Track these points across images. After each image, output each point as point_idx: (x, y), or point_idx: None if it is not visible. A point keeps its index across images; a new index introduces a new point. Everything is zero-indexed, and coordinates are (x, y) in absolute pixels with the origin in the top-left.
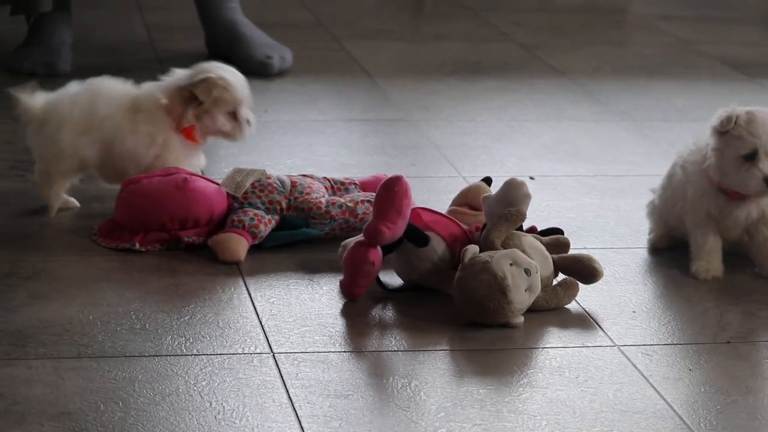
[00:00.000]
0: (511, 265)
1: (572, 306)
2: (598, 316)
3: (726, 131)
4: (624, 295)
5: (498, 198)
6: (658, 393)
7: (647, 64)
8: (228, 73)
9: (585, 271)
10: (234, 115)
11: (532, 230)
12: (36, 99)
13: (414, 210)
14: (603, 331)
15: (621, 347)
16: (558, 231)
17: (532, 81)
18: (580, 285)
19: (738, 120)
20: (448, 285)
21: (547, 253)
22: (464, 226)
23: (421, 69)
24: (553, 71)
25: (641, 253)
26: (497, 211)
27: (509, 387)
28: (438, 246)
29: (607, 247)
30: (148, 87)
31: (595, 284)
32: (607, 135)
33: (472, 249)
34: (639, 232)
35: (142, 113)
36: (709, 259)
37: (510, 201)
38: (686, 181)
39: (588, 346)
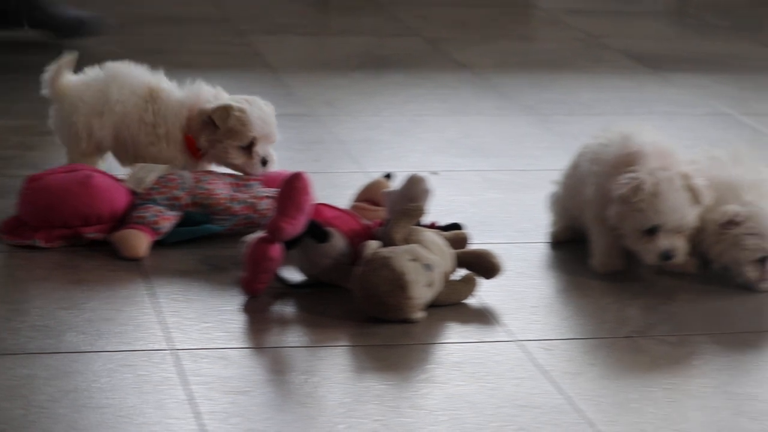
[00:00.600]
0: (411, 260)
1: (472, 301)
2: (498, 311)
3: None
4: (524, 290)
5: (399, 194)
6: (558, 387)
7: (553, 58)
8: (253, 108)
9: (485, 266)
10: (249, 150)
11: (432, 226)
12: (62, 77)
13: (315, 206)
14: (503, 326)
15: (521, 342)
16: (458, 226)
17: (437, 75)
18: (481, 280)
19: (643, 191)
20: (348, 281)
21: (448, 249)
22: (365, 222)
23: (326, 64)
24: (459, 65)
25: (543, 248)
26: (398, 206)
27: (409, 382)
28: (339, 242)
29: (508, 242)
30: (171, 85)
31: (495, 279)
32: (512, 129)
33: (373, 245)
34: (541, 226)
35: (156, 105)
36: (609, 254)
37: (411, 197)
38: (590, 176)
39: (488, 342)
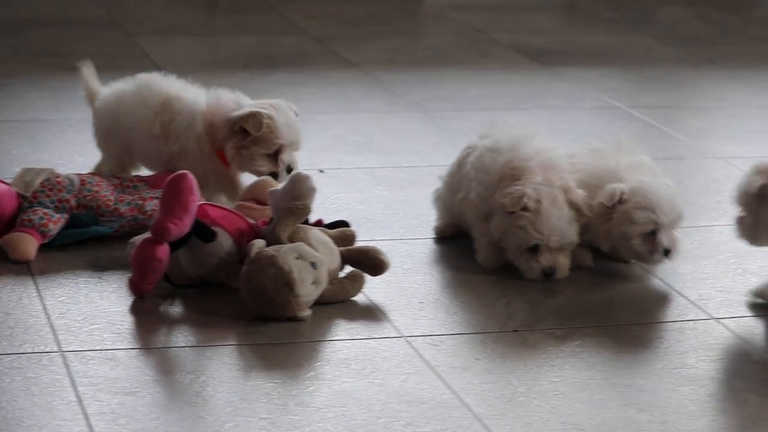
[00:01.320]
0: (297, 258)
1: (359, 298)
2: (385, 308)
3: (513, 212)
4: (411, 286)
5: (284, 192)
6: (445, 383)
7: (440, 54)
8: (279, 114)
9: (371, 263)
10: (275, 157)
11: (318, 223)
12: (92, 89)
13: (201, 206)
14: (390, 322)
15: (408, 338)
16: (344, 223)
17: (325, 73)
18: (368, 277)
19: (525, 205)
20: (235, 280)
21: (334, 246)
22: (251, 221)
23: (215, 64)
24: (347, 63)
25: (429, 244)
26: (283, 205)
27: (296, 380)
28: (225, 241)
29: (395, 239)
30: (193, 94)
31: (382, 276)
32: (399, 126)
33: (259, 243)
34: (428, 223)
35: (166, 117)
36: (494, 250)
37: (296, 195)
38: (475, 182)
39: (375, 338)
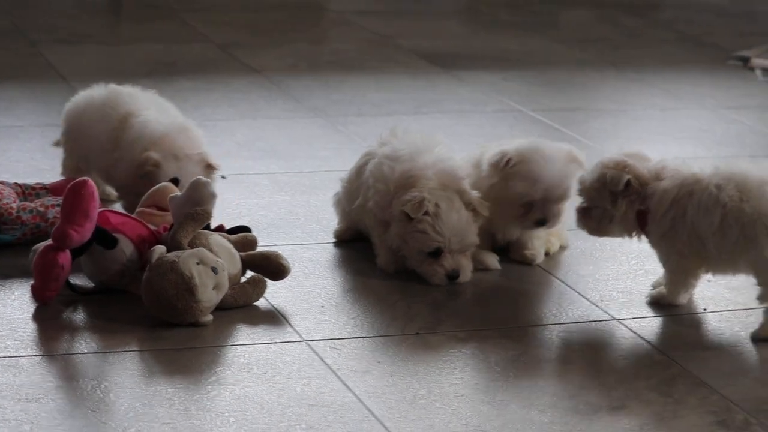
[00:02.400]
0: (197, 264)
1: (261, 303)
2: (286, 312)
3: (413, 218)
4: (313, 290)
5: (184, 198)
6: (346, 386)
7: (343, 59)
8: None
9: (273, 267)
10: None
11: (219, 229)
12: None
13: (101, 212)
14: (292, 326)
15: (309, 342)
16: (245, 229)
17: (227, 80)
18: (269, 282)
19: (424, 209)
20: (137, 286)
21: (235, 251)
22: (152, 227)
23: (118, 72)
24: (249, 69)
25: (330, 249)
26: (184, 210)
27: (198, 385)
28: (126, 247)
29: (297, 243)
30: (154, 114)
31: (283, 280)
32: (301, 131)
33: (159, 249)
34: (329, 227)
35: (123, 134)
36: (394, 253)
37: (196, 200)
38: (372, 191)
39: (277, 342)
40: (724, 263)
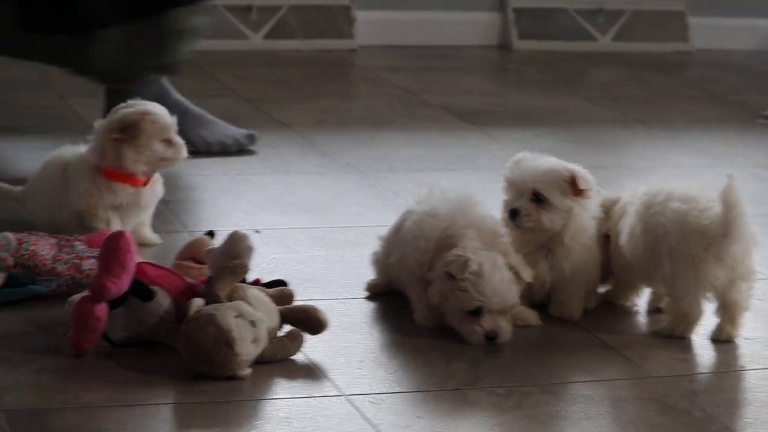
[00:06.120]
0: (236, 317)
1: (299, 357)
2: (325, 367)
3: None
4: (351, 344)
5: (222, 251)
6: None
7: (372, 115)
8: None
9: (311, 321)
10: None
11: (256, 282)
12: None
13: (139, 264)
14: (330, 381)
15: (349, 396)
16: (282, 283)
17: (258, 134)
18: (307, 336)
19: (468, 269)
20: (174, 338)
21: (273, 305)
22: (189, 280)
23: None
24: (279, 124)
25: (366, 304)
26: (221, 263)
27: None
28: (163, 300)
29: (333, 298)
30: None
31: (321, 335)
32: (333, 187)
33: (197, 302)
34: (364, 282)
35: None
36: (432, 309)
37: (234, 254)
38: (412, 248)
39: (315, 396)
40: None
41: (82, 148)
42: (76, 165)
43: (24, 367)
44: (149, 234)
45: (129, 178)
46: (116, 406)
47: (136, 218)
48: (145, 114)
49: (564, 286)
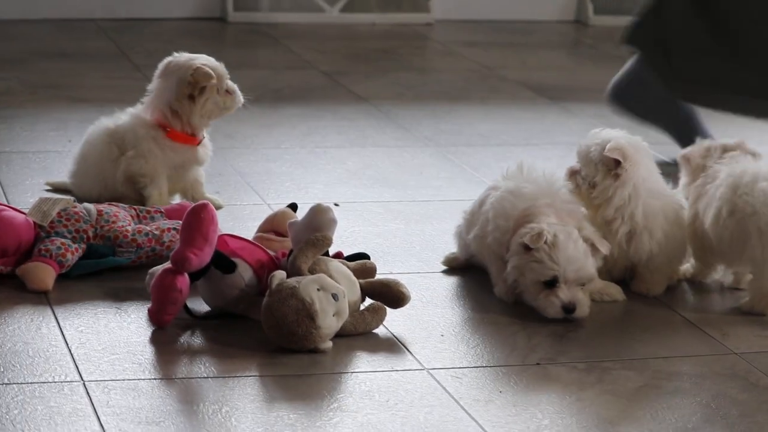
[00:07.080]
0: (318, 290)
1: (380, 330)
2: (406, 340)
3: (531, 248)
4: (432, 318)
5: (304, 224)
6: (469, 415)
7: (450, 89)
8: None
9: (392, 295)
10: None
11: (338, 255)
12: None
13: (220, 237)
14: (412, 354)
15: (430, 370)
16: (364, 256)
17: (335, 108)
18: (388, 309)
19: (543, 239)
20: (256, 311)
21: (354, 278)
22: (271, 253)
23: None
24: (356, 98)
25: (447, 278)
26: (303, 236)
27: (320, 412)
28: (245, 272)
29: (413, 272)
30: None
31: (402, 308)
32: (411, 161)
33: (279, 275)
34: (443, 257)
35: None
36: (510, 286)
37: (316, 226)
38: (492, 226)
39: (397, 370)
40: None
41: (123, 116)
42: (133, 128)
43: (105, 338)
44: (208, 194)
45: (189, 139)
46: (197, 377)
47: (190, 178)
48: (204, 68)
49: (647, 263)
